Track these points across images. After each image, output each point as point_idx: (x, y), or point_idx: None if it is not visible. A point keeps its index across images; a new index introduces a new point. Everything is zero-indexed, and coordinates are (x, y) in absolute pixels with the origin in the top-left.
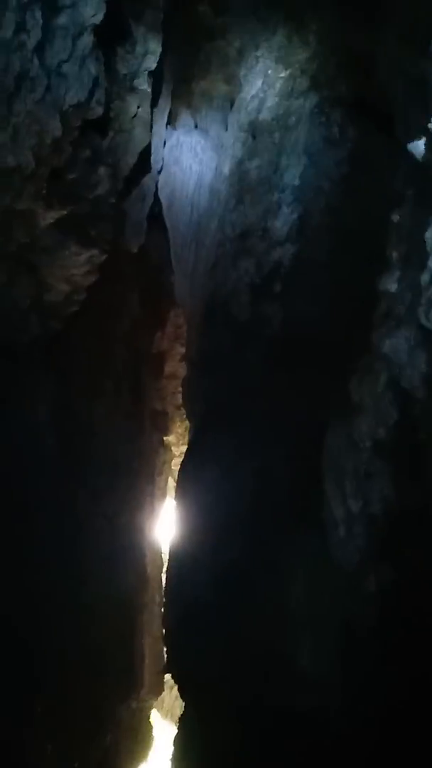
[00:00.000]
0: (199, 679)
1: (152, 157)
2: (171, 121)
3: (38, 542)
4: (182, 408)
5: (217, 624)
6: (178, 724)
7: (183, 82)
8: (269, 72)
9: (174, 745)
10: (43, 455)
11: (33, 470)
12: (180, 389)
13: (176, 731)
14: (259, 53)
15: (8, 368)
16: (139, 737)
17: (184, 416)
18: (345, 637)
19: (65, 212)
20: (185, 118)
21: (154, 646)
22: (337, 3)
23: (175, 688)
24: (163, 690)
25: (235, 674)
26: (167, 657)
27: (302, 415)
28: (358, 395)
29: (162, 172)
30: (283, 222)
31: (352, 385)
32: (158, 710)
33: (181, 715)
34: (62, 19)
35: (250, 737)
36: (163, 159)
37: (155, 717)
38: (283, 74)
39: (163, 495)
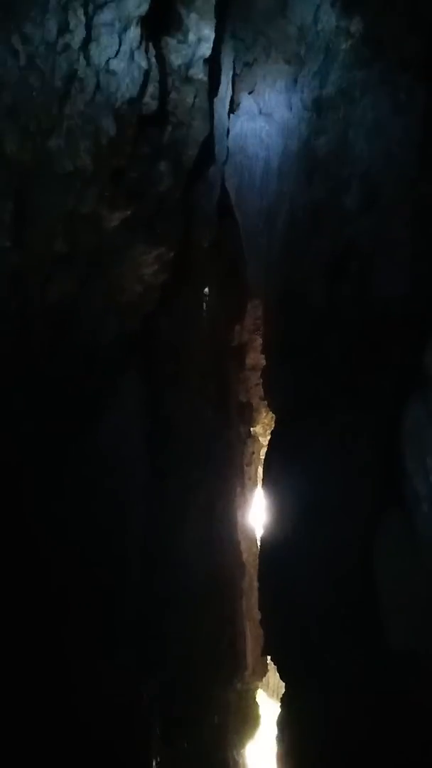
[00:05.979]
0: (296, 660)
1: (216, 148)
2: (233, 110)
3: (135, 537)
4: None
5: (310, 605)
6: (280, 705)
7: (243, 67)
8: (330, 45)
9: (277, 725)
10: (132, 454)
11: (124, 469)
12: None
13: (279, 711)
14: (319, 27)
15: (92, 371)
16: (246, 717)
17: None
18: None
19: (130, 212)
20: (248, 104)
21: (255, 630)
22: None
23: None
24: (267, 671)
25: (330, 653)
26: (264, 639)
27: (385, 396)
28: None
29: (228, 162)
30: (355, 197)
31: (429, 360)
32: (264, 690)
33: (283, 695)
34: (106, 15)
35: (349, 715)
36: (228, 148)
37: (261, 697)
38: (344, 46)
39: (254, 484)
